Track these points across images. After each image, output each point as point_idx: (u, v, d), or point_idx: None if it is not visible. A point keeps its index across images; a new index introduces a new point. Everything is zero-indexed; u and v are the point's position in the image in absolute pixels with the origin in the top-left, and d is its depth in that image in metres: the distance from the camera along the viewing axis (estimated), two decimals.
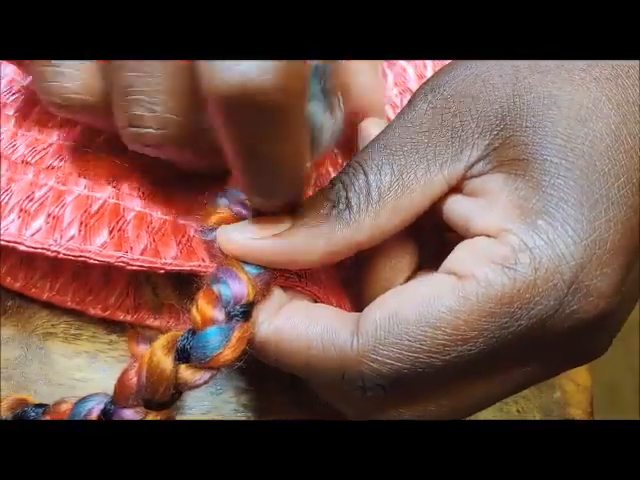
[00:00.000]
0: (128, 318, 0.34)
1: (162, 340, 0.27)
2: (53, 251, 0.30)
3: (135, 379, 0.27)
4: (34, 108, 0.35)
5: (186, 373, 0.27)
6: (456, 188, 0.28)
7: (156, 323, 0.34)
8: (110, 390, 0.30)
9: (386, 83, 0.40)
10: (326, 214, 0.28)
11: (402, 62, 0.41)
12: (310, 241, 0.28)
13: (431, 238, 0.32)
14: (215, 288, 0.28)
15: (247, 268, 0.28)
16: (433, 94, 0.29)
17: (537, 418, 0.36)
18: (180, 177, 0.34)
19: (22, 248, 0.30)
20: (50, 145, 0.33)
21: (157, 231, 0.31)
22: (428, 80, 0.30)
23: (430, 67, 0.41)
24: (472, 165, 0.28)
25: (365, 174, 0.28)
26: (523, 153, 0.27)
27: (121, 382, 0.27)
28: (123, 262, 0.30)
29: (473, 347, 0.26)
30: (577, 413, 0.35)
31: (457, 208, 0.28)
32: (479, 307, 0.26)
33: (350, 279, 0.33)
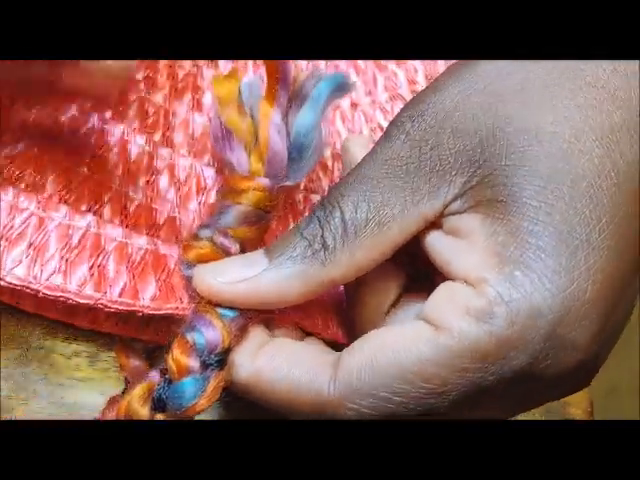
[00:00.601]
0: (115, 330, 0.33)
1: (139, 390, 0.28)
2: (33, 289, 0.29)
3: None
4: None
5: None
6: (436, 223, 0.28)
7: (144, 336, 0.33)
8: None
9: (376, 88, 0.40)
10: (301, 255, 0.28)
11: (393, 66, 0.40)
12: (285, 283, 0.28)
13: (418, 254, 0.31)
14: (189, 337, 0.28)
15: (222, 312, 0.29)
16: (412, 124, 0.28)
17: (537, 418, 0.36)
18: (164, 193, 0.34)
19: (2, 283, 0.29)
20: (31, 158, 0.32)
21: (137, 265, 0.31)
22: (407, 105, 0.29)
23: (421, 72, 0.40)
24: (449, 203, 0.27)
25: (341, 211, 0.28)
26: (501, 194, 0.26)
27: None
28: (102, 304, 0.30)
29: (446, 400, 0.26)
30: (577, 413, 0.35)
31: (437, 246, 0.28)
32: (453, 362, 0.26)
33: (337, 294, 0.33)
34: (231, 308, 0.29)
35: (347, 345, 0.31)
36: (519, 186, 0.26)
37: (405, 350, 0.26)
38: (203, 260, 0.30)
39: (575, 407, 0.37)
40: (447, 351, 0.26)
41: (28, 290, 0.29)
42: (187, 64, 0.36)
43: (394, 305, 0.31)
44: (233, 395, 0.29)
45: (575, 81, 0.27)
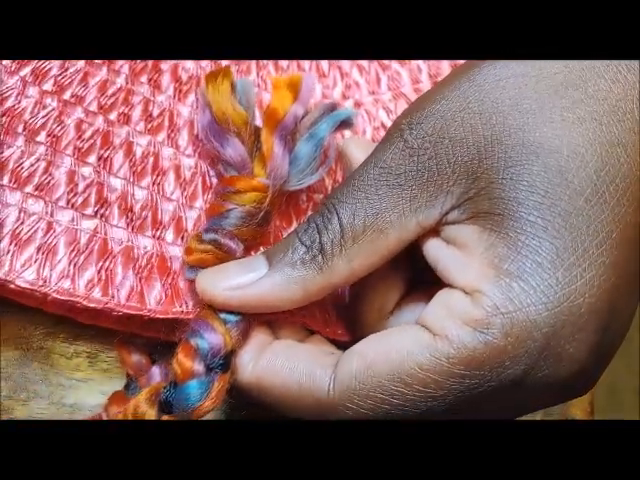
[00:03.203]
0: (118, 327, 0.33)
1: (146, 393, 0.29)
2: (42, 293, 0.30)
3: None
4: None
5: None
6: (434, 231, 0.28)
7: (147, 333, 0.33)
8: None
9: (379, 87, 0.39)
10: (300, 260, 0.28)
11: (396, 65, 0.39)
12: (284, 289, 0.29)
13: (421, 257, 0.31)
14: (193, 342, 0.29)
15: (224, 316, 0.29)
16: (410, 132, 0.28)
17: (537, 418, 0.36)
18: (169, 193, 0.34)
19: (12, 287, 0.30)
20: (38, 160, 0.32)
21: (143, 268, 0.32)
22: (407, 112, 0.29)
23: (425, 71, 0.39)
24: (447, 212, 0.28)
25: (339, 217, 0.28)
26: (498, 208, 0.27)
27: None
28: (109, 308, 0.30)
29: (442, 403, 0.26)
30: (577, 413, 0.35)
31: (436, 254, 0.28)
32: (449, 369, 0.26)
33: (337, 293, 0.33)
34: (233, 312, 0.30)
35: (348, 343, 0.32)
36: (517, 201, 0.26)
37: (403, 355, 0.27)
38: (205, 264, 0.30)
39: (575, 407, 0.37)
40: (444, 358, 0.26)
41: (37, 294, 0.30)
42: (191, 66, 0.36)
43: (398, 306, 0.31)
44: (236, 397, 0.30)
45: (576, 93, 0.27)
